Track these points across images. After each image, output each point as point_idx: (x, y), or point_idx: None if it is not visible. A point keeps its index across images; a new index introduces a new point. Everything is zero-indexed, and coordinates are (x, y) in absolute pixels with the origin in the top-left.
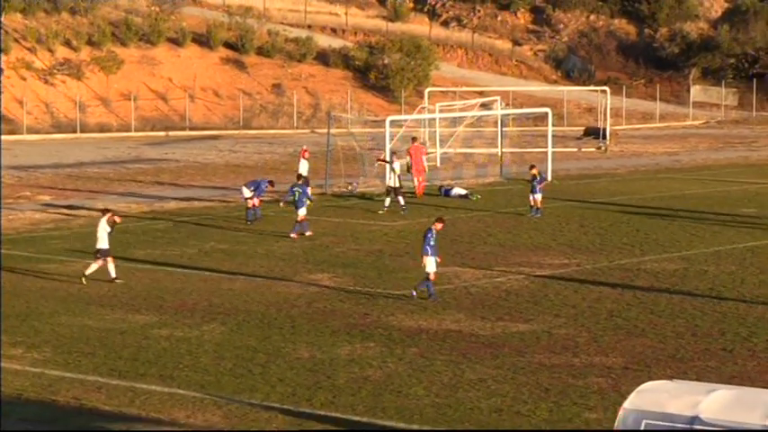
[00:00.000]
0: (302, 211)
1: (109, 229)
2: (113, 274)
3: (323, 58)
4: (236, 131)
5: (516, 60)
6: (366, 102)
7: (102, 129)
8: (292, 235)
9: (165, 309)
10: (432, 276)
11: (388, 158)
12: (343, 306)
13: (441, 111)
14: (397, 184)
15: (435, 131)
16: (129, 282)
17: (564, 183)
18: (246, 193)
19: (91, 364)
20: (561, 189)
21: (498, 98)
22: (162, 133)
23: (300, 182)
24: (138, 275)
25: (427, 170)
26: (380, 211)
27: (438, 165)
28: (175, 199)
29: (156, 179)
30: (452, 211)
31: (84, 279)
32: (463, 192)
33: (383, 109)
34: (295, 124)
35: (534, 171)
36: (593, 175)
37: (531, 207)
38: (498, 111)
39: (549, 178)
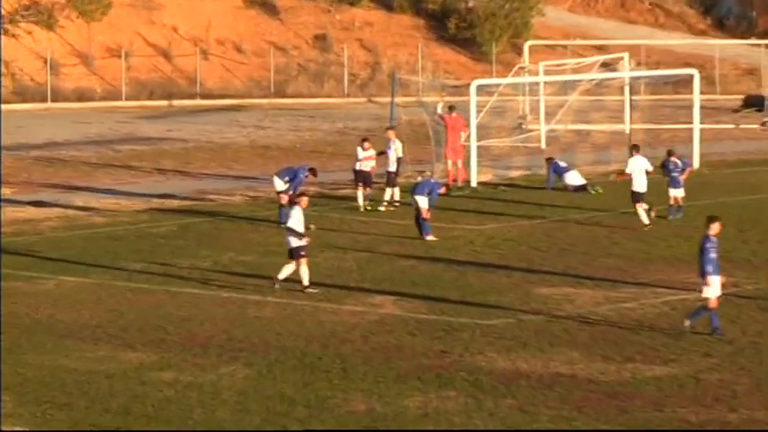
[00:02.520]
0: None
1: (303, 220)
2: (282, 276)
3: (384, 0)
4: (265, 100)
5: (650, 3)
6: (443, 60)
7: (82, 97)
8: (429, 237)
9: (169, 344)
10: (713, 303)
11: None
12: (413, 341)
13: (546, 72)
14: (393, 169)
15: (539, 101)
16: (120, 306)
17: (716, 171)
18: (279, 185)
19: (67, 419)
20: (713, 180)
21: (625, 55)
22: (164, 102)
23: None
24: (130, 297)
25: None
26: (380, 208)
27: (543, 146)
28: (182, 195)
29: (156, 165)
30: (561, 210)
31: (308, 289)
32: (581, 181)
33: (467, 70)
34: (345, 91)
35: (674, 158)
36: (756, 162)
37: (671, 205)
38: (626, 73)
39: (696, 165)
